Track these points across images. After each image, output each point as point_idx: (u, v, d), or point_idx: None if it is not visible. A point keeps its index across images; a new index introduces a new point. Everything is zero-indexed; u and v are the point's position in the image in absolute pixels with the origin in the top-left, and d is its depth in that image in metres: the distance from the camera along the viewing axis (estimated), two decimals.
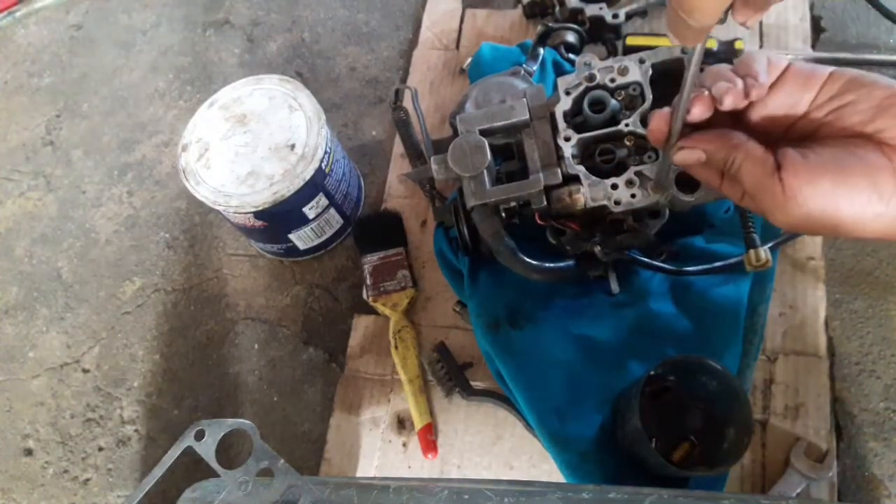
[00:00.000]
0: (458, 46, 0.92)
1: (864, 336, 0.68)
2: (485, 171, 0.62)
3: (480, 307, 0.71)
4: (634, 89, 0.61)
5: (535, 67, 0.79)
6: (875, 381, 0.66)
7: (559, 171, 0.61)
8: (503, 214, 0.66)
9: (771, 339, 0.68)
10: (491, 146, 0.64)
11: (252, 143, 0.72)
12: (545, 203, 0.62)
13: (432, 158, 0.65)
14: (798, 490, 0.60)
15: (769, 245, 0.62)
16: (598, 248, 0.63)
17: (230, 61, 1.01)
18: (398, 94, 0.81)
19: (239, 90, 0.76)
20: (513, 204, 0.65)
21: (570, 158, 0.60)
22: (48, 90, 1.06)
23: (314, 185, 0.72)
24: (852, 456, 0.63)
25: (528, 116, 0.62)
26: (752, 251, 0.60)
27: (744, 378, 0.65)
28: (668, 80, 0.62)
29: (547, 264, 0.65)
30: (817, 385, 0.65)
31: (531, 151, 0.62)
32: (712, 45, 0.77)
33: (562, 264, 0.66)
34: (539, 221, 0.65)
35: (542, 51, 0.80)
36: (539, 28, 0.82)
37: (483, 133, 0.63)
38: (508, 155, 0.67)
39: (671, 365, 0.60)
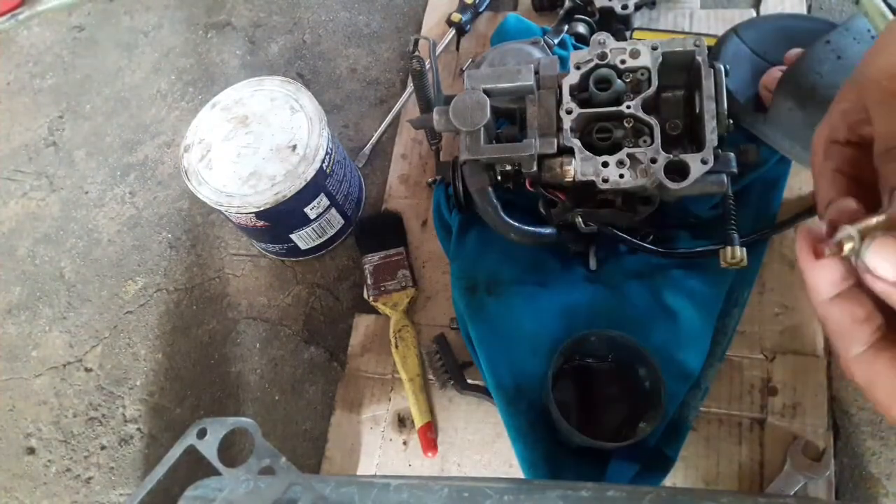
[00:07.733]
0: (457, 48, 0.92)
1: None
2: (482, 129, 0.64)
3: (462, 270, 0.73)
4: (642, 74, 0.62)
5: (556, 40, 0.79)
6: None
7: (556, 141, 0.63)
8: (499, 177, 0.67)
9: (769, 338, 0.68)
10: (497, 109, 0.65)
11: (254, 143, 0.73)
12: (535, 169, 0.63)
13: (435, 109, 0.66)
14: (796, 488, 0.60)
15: (744, 240, 0.62)
16: (579, 219, 0.64)
17: (232, 63, 1.02)
18: (415, 44, 0.81)
19: (241, 91, 0.77)
20: (508, 167, 0.66)
21: (569, 131, 0.62)
22: (51, 91, 1.06)
23: (315, 186, 0.72)
24: (850, 454, 0.63)
25: (532, 82, 0.64)
26: (728, 248, 0.60)
27: (705, 376, 0.65)
28: (675, 71, 0.63)
29: (526, 227, 0.66)
30: (815, 384, 0.65)
31: (532, 119, 0.64)
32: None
33: (542, 230, 0.67)
34: (529, 188, 0.66)
35: (566, 27, 0.81)
36: (567, 3, 0.83)
37: (487, 93, 0.64)
38: (513, 120, 0.68)
39: (605, 339, 0.62)
